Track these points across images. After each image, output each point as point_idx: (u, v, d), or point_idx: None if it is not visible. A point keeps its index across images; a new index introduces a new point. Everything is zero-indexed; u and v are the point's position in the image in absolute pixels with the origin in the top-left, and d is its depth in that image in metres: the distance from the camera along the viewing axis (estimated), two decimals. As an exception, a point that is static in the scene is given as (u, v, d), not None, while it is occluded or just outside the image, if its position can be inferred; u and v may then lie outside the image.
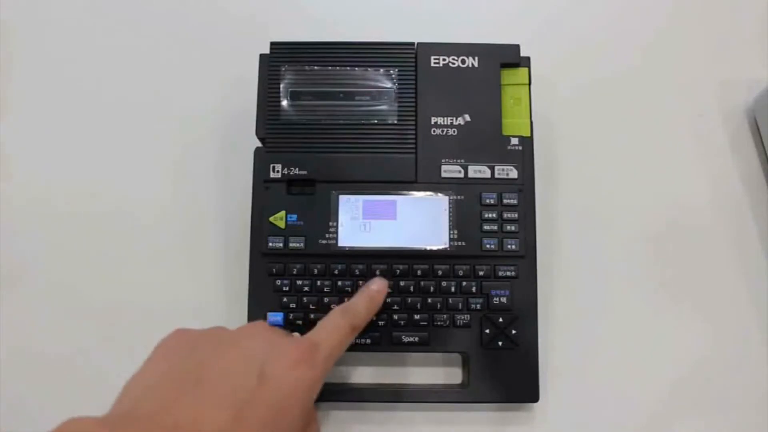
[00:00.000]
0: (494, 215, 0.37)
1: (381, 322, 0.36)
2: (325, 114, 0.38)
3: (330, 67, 0.39)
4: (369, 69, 0.39)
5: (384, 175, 0.38)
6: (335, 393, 0.37)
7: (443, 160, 0.38)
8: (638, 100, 0.45)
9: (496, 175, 0.38)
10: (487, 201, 0.37)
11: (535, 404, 0.38)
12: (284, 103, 0.38)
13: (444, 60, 0.39)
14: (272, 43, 0.39)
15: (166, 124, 0.44)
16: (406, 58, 0.39)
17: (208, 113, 0.44)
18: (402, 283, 0.37)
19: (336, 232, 0.37)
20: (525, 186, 0.38)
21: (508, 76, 0.39)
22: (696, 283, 0.42)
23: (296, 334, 0.36)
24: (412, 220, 0.37)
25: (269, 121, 0.38)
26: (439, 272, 0.37)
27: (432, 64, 0.39)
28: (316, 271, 0.37)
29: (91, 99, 0.45)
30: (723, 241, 0.42)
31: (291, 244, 0.37)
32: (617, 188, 0.43)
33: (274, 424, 0.27)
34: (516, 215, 0.37)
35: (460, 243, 0.37)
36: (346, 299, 0.36)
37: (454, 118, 0.38)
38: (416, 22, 0.47)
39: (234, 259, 0.41)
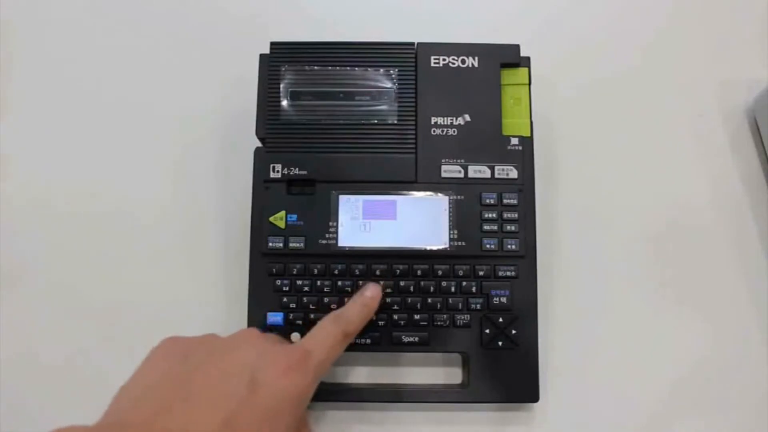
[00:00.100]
0: (494, 215, 0.37)
1: (381, 322, 0.36)
2: (325, 114, 0.38)
3: (330, 67, 0.39)
4: (369, 69, 0.39)
5: (384, 175, 0.38)
6: (335, 393, 0.37)
7: (443, 160, 0.38)
8: (638, 100, 0.45)
9: (496, 175, 0.38)
10: (487, 201, 0.37)
11: (535, 404, 0.38)
12: (284, 103, 0.38)
13: (444, 60, 0.39)
14: (272, 43, 0.39)
15: (166, 124, 0.44)
16: (406, 58, 0.39)
17: (208, 113, 0.44)
18: (402, 283, 0.37)
19: (336, 232, 0.37)
20: (525, 186, 0.38)
21: (508, 76, 0.39)
22: (696, 283, 0.42)
23: (296, 334, 0.36)
24: (412, 220, 0.37)
25: (269, 121, 0.38)
26: (439, 272, 0.37)
27: (432, 64, 0.39)
28: (316, 271, 0.37)
29: (91, 99, 0.45)
30: (723, 241, 0.42)
31: (291, 244, 0.37)
32: (617, 188, 0.43)
33: (265, 431, 0.27)
34: (516, 215, 0.37)
35: (460, 243, 0.37)
36: (346, 299, 0.36)
37: (454, 118, 0.38)
38: (416, 22, 0.47)
39: (234, 259, 0.41)
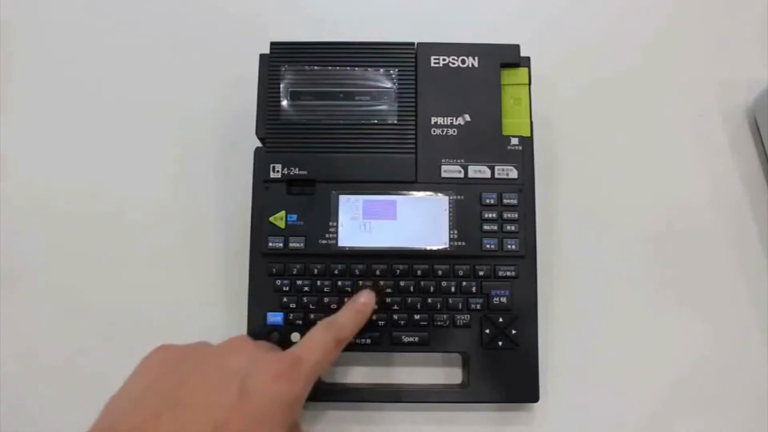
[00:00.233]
0: (494, 215, 0.37)
1: (381, 322, 0.36)
2: (325, 114, 0.38)
3: (330, 67, 0.39)
4: (369, 69, 0.39)
5: (384, 175, 0.38)
6: (334, 393, 0.37)
7: (443, 160, 0.38)
8: (638, 100, 0.45)
9: (496, 175, 0.38)
10: (487, 201, 0.37)
11: (535, 404, 0.38)
12: (284, 103, 0.38)
13: (444, 60, 0.39)
14: (272, 43, 0.39)
15: (166, 124, 0.44)
16: (406, 58, 0.39)
17: (208, 113, 0.44)
18: (402, 283, 0.37)
19: (336, 232, 0.37)
20: (525, 186, 0.38)
21: (508, 76, 0.39)
22: (696, 283, 0.42)
23: (296, 334, 0.36)
24: (412, 220, 0.37)
25: (269, 121, 0.38)
26: (439, 272, 0.37)
27: (432, 64, 0.39)
28: (316, 271, 0.37)
29: (91, 99, 0.45)
30: (723, 241, 0.42)
31: (291, 244, 0.37)
32: (617, 188, 0.43)
33: None
34: (516, 215, 0.37)
35: (460, 243, 0.37)
36: (346, 299, 0.36)
37: (454, 118, 0.38)
38: (416, 22, 0.47)
39: (234, 259, 0.41)
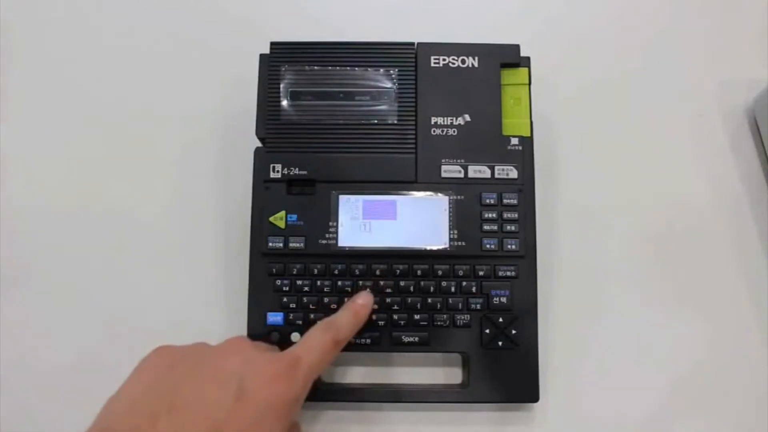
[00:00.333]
0: (494, 215, 0.37)
1: (381, 322, 0.36)
2: (325, 114, 0.38)
3: (330, 67, 0.39)
4: (369, 69, 0.39)
5: (384, 175, 0.38)
6: (334, 393, 0.37)
7: (443, 160, 0.38)
8: (638, 100, 0.45)
9: (496, 175, 0.38)
10: (487, 201, 0.37)
11: (535, 404, 0.38)
12: (284, 103, 0.38)
13: (444, 60, 0.39)
14: (272, 43, 0.39)
15: (166, 124, 0.44)
16: (406, 58, 0.39)
17: (208, 113, 0.44)
18: (402, 283, 0.37)
19: (336, 232, 0.37)
20: (525, 186, 0.38)
21: (508, 76, 0.39)
22: (696, 283, 0.42)
23: (296, 334, 0.36)
24: (412, 220, 0.37)
25: (269, 121, 0.38)
26: (439, 272, 0.37)
27: (432, 64, 0.39)
28: (316, 271, 0.37)
29: (90, 99, 0.45)
30: (723, 241, 0.42)
31: (291, 244, 0.37)
32: (617, 188, 0.43)
33: None
34: (516, 215, 0.37)
35: (460, 243, 0.37)
36: (346, 299, 0.36)
37: (454, 118, 0.38)
38: (416, 22, 0.47)
39: (234, 259, 0.41)
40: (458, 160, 0.38)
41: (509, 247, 0.37)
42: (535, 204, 0.38)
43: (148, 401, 0.27)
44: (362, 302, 0.35)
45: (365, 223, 0.37)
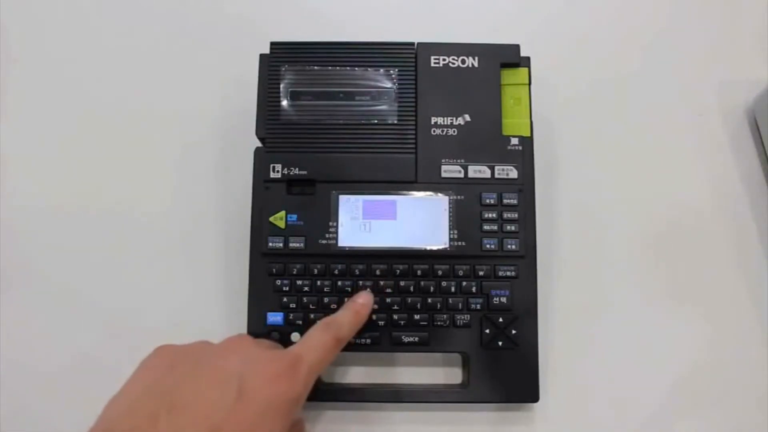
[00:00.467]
0: (494, 215, 0.37)
1: (381, 322, 0.36)
2: (325, 114, 0.38)
3: (330, 67, 0.39)
4: (369, 69, 0.39)
5: (384, 175, 0.38)
6: (334, 393, 0.37)
7: (443, 160, 0.38)
8: (638, 100, 0.45)
9: (496, 175, 0.38)
10: (487, 201, 0.37)
11: (535, 404, 0.38)
12: (284, 103, 0.38)
13: (444, 60, 0.39)
14: (272, 43, 0.39)
15: (166, 124, 0.44)
16: (406, 58, 0.39)
17: (208, 113, 0.44)
18: (402, 283, 0.37)
19: (336, 232, 0.37)
20: (525, 186, 0.38)
21: (508, 76, 0.39)
22: (696, 283, 0.42)
23: (296, 334, 0.36)
24: (412, 220, 0.37)
25: (269, 121, 0.38)
26: (439, 272, 0.37)
27: (432, 64, 0.39)
28: (316, 271, 0.37)
29: (91, 99, 0.45)
30: (723, 241, 0.42)
31: (291, 244, 0.37)
32: (617, 188, 0.43)
33: None
34: (516, 215, 0.37)
35: (460, 243, 0.37)
36: (346, 299, 0.36)
37: (454, 118, 0.38)
38: (416, 22, 0.47)
39: (234, 259, 0.41)
40: (458, 160, 0.38)
41: (509, 247, 0.37)
42: (535, 204, 0.38)
43: (149, 401, 0.27)
44: (363, 302, 0.35)
45: (365, 223, 0.37)
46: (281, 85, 0.38)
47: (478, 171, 0.38)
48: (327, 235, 0.37)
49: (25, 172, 0.43)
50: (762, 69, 0.46)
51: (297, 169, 0.38)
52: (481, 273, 0.37)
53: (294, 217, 0.37)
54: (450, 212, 0.37)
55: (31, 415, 0.39)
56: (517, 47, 0.39)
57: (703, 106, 0.45)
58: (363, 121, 0.38)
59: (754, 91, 0.44)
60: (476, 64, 0.39)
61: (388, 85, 0.39)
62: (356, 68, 0.39)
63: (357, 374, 0.39)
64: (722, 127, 0.45)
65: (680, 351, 0.40)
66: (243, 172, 0.38)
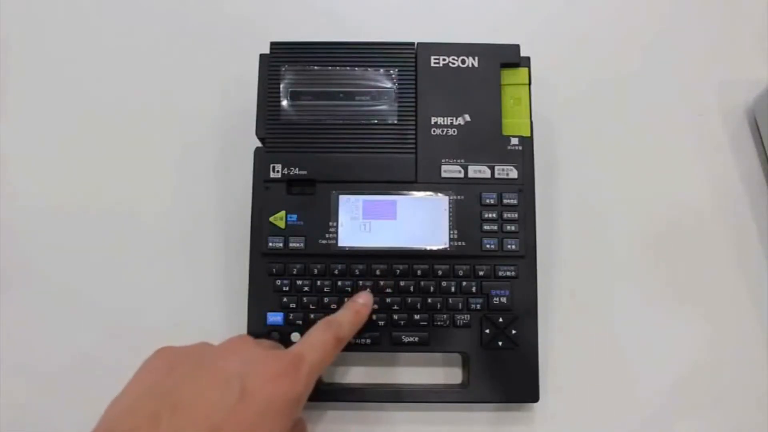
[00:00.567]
0: (494, 215, 0.37)
1: (381, 322, 0.36)
2: (325, 114, 0.38)
3: (330, 67, 0.39)
4: (369, 69, 0.39)
5: (384, 175, 0.38)
6: (335, 393, 0.37)
7: (443, 160, 0.38)
8: (638, 100, 0.45)
9: (496, 175, 0.38)
10: (487, 201, 0.37)
11: (535, 404, 0.38)
12: (284, 103, 0.38)
13: (444, 60, 0.39)
14: (272, 43, 0.39)
15: (166, 124, 0.44)
16: (406, 58, 0.39)
17: (208, 113, 0.44)
18: (402, 283, 0.37)
19: (336, 232, 0.37)
20: (525, 186, 0.38)
21: (508, 76, 0.39)
22: (696, 283, 0.42)
23: (296, 334, 0.36)
24: (412, 220, 0.37)
25: (269, 121, 0.38)
26: (439, 272, 0.37)
27: (432, 64, 0.39)
28: (316, 271, 0.37)
29: (91, 99, 0.45)
30: (723, 241, 0.42)
31: (291, 244, 0.37)
32: (617, 188, 0.43)
33: None
34: (516, 215, 0.37)
35: (460, 243, 0.37)
36: (346, 299, 0.36)
37: (454, 118, 0.38)
38: (416, 22, 0.47)
39: (234, 259, 0.41)
40: (458, 160, 0.38)
41: (509, 247, 0.37)
42: (535, 204, 0.38)
43: (150, 402, 0.27)
44: (363, 301, 0.35)
45: (365, 223, 0.37)
46: (281, 85, 0.38)
47: (478, 171, 0.38)
48: (327, 235, 0.37)
49: (25, 172, 0.43)
50: (762, 69, 0.46)
51: (297, 169, 0.38)
52: (481, 273, 0.37)
53: (294, 217, 0.37)
54: (450, 212, 0.37)
55: (31, 415, 0.39)
56: (517, 47, 0.39)
57: (703, 106, 0.45)
58: (363, 121, 0.38)
59: (754, 91, 0.44)
60: (476, 64, 0.39)
61: (388, 85, 0.39)
62: (356, 68, 0.39)
63: (357, 374, 0.39)
64: (722, 127, 0.45)
65: (680, 351, 0.40)
66: (243, 172, 0.38)
